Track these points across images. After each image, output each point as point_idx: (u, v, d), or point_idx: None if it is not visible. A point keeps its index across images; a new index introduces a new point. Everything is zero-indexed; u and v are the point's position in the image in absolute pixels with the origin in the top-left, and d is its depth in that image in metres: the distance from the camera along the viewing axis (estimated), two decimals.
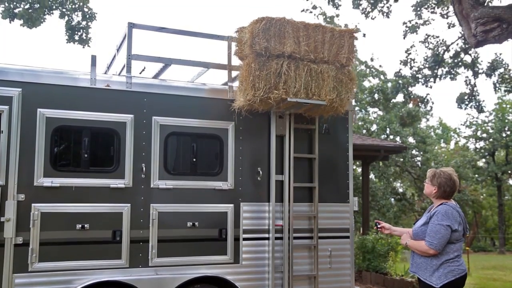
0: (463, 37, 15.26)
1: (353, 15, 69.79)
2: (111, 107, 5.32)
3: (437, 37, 17.04)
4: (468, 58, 17.08)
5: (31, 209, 4.91)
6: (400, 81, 18.16)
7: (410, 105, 24.00)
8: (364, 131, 25.98)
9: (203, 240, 5.53)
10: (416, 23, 16.76)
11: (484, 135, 31.51)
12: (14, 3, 13.77)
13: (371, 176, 23.59)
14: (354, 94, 6.51)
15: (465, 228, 4.19)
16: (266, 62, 5.48)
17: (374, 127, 26.74)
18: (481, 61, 17.51)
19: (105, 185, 5.20)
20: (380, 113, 27.70)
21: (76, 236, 5.04)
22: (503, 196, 31.74)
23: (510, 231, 34.09)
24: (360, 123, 25.98)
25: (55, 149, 5.14)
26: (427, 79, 17.21)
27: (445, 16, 16.30)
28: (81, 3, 14.44)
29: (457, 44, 16.74)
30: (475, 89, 17.35)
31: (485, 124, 31.48)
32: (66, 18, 14.56)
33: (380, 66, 33.48)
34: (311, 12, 18.05)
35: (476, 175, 31.05)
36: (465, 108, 17.78)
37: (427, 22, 16.84)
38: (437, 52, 16.86)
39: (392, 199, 25.70)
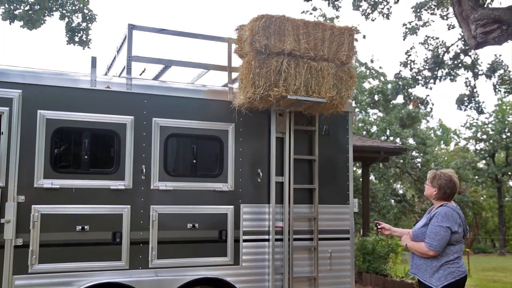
0: (463, 39, 15.26)
1: (353, 16, 69.85)
2: (111, 108, 5.32)
3: (437, 38, 17.07)
4: (468, 60, 17.11)
5: (31, 210, 4.91)
6: (400, 83, 18.17)
7: (410, 107, 24.01)
8: (364, 132, 25.99)
9: (203, 241, 5.53)
10: (416, 24, 16.77)
11: (484, 136, 31.53)
12: (14, 5, 13.77)
13: (371, 177, 23.59)
14: (354, 92, 6.52)
15: (465, 230, 4.19)
16: (266, 59, 5.48)
17: (374, 129, 26.74)
18: (481, 62, 17.51)
19: (105, 187, 5.20)
20: (380, 114, 27.71)
21: (76, 237, 5.04)
22: (503, 198, 31.74)
23: (510, 233, 34.09)
24: (360, 125, 25.99)
25: (55, 151, 5.14)
26: (427, 80, 17.22)
27: (445, 18, 16.31)
28: (81, 5, 14.45)
29: (457, 46, 16.76)
30: (475, 90, 17.36)
31: (485, 126, 31.50)
32: (66, 19, 14.55)
33: (380, 67, 33.59)
34: (311, 13, 18.07)
35: (476, 177, 31.05)
36: (465, 110, 17.79)
37: (427, 24, 16.85)
38: (437, 54, 16.87)
39: (392, 201, 25.69)
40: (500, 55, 18.64)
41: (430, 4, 16.12)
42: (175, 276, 5.34)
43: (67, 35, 14.71)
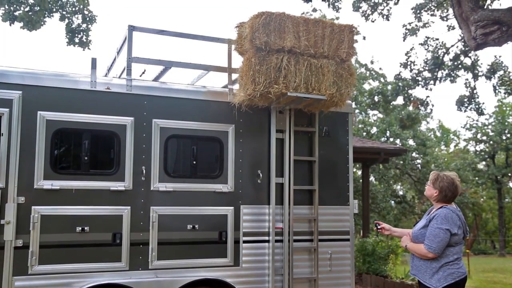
0: (463, 40, 15.27)
1: (353, 17, 69.89)
2: (111, 109, 5.32)
3: (437, 39, 17.08)
4: (468, 61, 17.11)
5: (31, 211, 4.91)
6: (400, 84, 18.17)
7: (410, 108, 24.00)
8: (364, 133, 26.00)
9: (203, 242, 5.53)
10: (416, 25, 16.78)
11: (484, 137, 31.54)
12: (14, 6, 13.77)
13: (371, 178, 23.60)
14: (354, 89, 6.51)
15: (465, 231, 4.19)
16: (266, 56, 5.48)
17: (374, 130, 26.76)
18: (481, 63, 17.55)
19: (105, 188, 5.20)
20: (380, 115, 27.72)
21: (76, 238, 5.04)
22: (503, 199, 31.74)
23: (510, 234, 34.07)
24: (360, 126, 26.01)
25: (55, 152, 5.14)
26: (427, 81, 17.23)
27: (445, 19, 16.33)
28: (81, 6, 14.46)
29: (457, 47, 16.77)
30: (475, 91, 17.36)
31: (485, 127, 31.51)
32: (66, 20, 14.56)
33: (380, 68, 33.66)
34: (311, 15, 18.11)
35: (476, 178, 31.06)
36: (465, 111, 17.79)
37: (427, 25, 16.87)
38: (437, 55, 16.88)
39: (392, 202, 25.71)
40: (500, 56, 18.68)
41: (430, 5, 16.14)
42: (175, 277, 5.34)
43: (67, 36, 14.71)
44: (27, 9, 13.97)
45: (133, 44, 5.70)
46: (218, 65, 6.13)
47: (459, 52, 16.87)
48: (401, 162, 24.13)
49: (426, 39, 17.12)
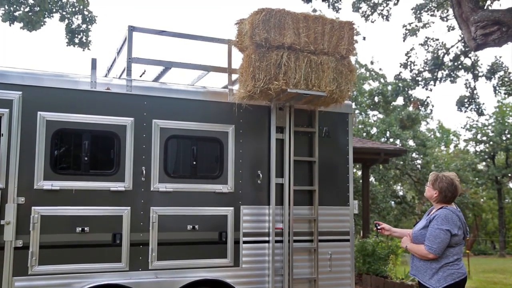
0: (463, 40, 15.28)
1: (353, 18, 69.90)
2: (111, 110, 5.32)
3: (437, 40, 17.10)
4: (468, 61, 17.12)
5: (31, 212, 4.91)
6: (400, 84, 18.18)
7: (410, 108, 24.02)
8: (364, 134, 26.00)
9: (203, 243, 5.53)
10: (416, 26, 16.80)
11: (484, 138, 31.54)
12: (14, 6, 13.78)
13: (371, 179, 23.60)
14: (354, 86, 6.51)
15: (465, 232, 4.18)
16: (266, 53, 5.48)
17: (374, 130, 26.76)
18: (481, 64, 17.56)
19: (105, 188, 5.20)
20: (380, 116, 27.73)
21: (76, 239, 5.03)
22: (503, 199, 31.74)
23: (510, 234, 34.07)
24: (360, 126, 26.01)
25: (55, 152, 5.14)
26: (427, 82, 17.24)
27: (445, 19, 16.34)
28: (81, 6, 14.46)
29: (457, 47, 16.78)
30: (475, 92, 17.38)
31: (485, 127, 31.51)
32: (66, 21, 14.56)
33: (380, 69, 33.64)
34: None
35: (476, 178, 31.06)
36: (465, 111, 17.80)
37: (427, 25, 16.89)
38: (437, 55, 16.88)
39: (392, 202, 25.72)
40: (500, 57, 18.68)
41: (430, 5, 16.15)
42: (175, 277, 5.34)
43: (67, 37, 14.72)
44: (27, 9, 13.97)
45: (133, 45, 5.70)
46: (218, 65, 6.14)
47: (459, 53, 16.88)
48: (401, 162, 24.14)
49: (426, 39, 17.14)
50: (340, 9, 14.73)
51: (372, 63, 27.83)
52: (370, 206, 18.42)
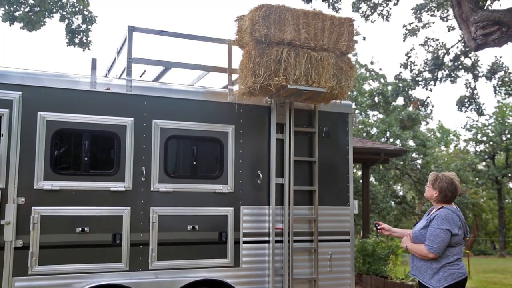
0: (463, 40, 15.28)
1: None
2: (111, 110, 5.32)
3: (437, 40, 17.10)
4: (468, 61, 17.12)
5: (31, 212, 4.91)
6: (400, 84, 18.18)
7: (410, 108, 24.03)
8: (364, 134, 26.00)
9: (203, 243, 5.53)
10: (416, 26, 16.81)
11: (484, 138, 31.54)
12: (14, 6, 13.77)
13: (371, 179, 23.60)
14: (354, 82, 6.50)
15: (465, 232, 4.18)
16: (266, 49, 5.48)
17: (374, 130, 26.76)
18: (481, 64, 17.56)
19: (105, 188, 5.20)
20: (380, 116, 27.72)
21: (76, 239, 5.03)
22: (503, 199, 31.73)
23: (510, 234, 34.07)
24: (360, 126, 26.01)
25: (55, 152, 5.14)
26: (427, 82, 17.23)
27: (445, 19, 16.35)
28: (81, 6, 14.46)
29: (457, 47, 16.79)
30: (475, 92, 17.38)
31: (485, 127, 31.51)
32: (66, 21, 14.56)
33: (380, 69, 33.61)
34: None
35: (477, 178, 31.05)
36: (465, 111, 17.81)
37: (427, 25, 16.89)
38: (437, 55, 16.88)
39: (392, 202, 25.72)
40: (500, 57, 18.68)
41: (430, 5, 16.15)
42: (175, 277, 5.34)
43: (67, 37, 14.72)
44: (27, 9, 13.97)
45: (133, 45, 5.71)
46: (218, 65, 6.14)
47: (459, 53, 16.89)
48: (401, 162, 24.14)
49: (426, 39, 17.15)
50: (340, 9, 14.74)
51: (372, 63, 27.86)
52: (370, 206, 18.42)
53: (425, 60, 17.21)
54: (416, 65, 17.40)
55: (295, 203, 5.92)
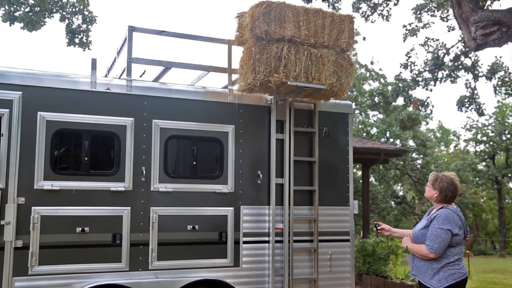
0: (463, 41, 15.28)
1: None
2: (111, 110, 5.32)
3: (437, 40, 17.10)
4: (468, 61, 17.12)
5: (31, 212, 4.91)
6: (400, 84, 18.18)
7: (410, 108, 24.02)
8: (364, 134, 26.00)
9: (203, 243, 5.52)
10: (416, 26, 16.80)
11: (484, 138, 31.54)
12: (15, 6, 13.77)
13: (371, 179, 23.59)
14: (354, 79, 6.50)
15: (465, 232, 4.18)
16: (266, 46, 5.48)
17: (374, 130, 26.76)
18: (481, 64, 17.56)
19: (105, 188, 5.20)
20: (380, 116, 27.72)
21: (76, 239, 5.03)
22: (503, 199, 31.73)
23: (510, 234, 34.07)
24: (360, 126, 26.01)
25: (55, 152, 5.14)
26: (427, 82, 17.23)
27: (445, 19, 16.34)
28: (81, 6, 14.45)
29: (457, 47, 16.78)
30: (475, 92, 17.38)
31: (485, 127, 31.51)
32: (67, 21, 14.54)
33: (380, 69, 33.58)
34: None
35: (477, 178, 31.05)
36: (466, 111, 17.81)
37: (427, 25, 16.88)
38: (437, 55, 16.88)
39: (392, 202, 25.71)
40: (500, 57, 18.69)
41: (430, 6, 16.15)
42: (175, 278, 5.34)
43: (67, 37, 14.71)
44: (27, 9, 13.96)
45: (133, 45, 5.70)
46: (218, 65, 6.14)
47: (459, 53, 16.89)
48: (401, 162, 24.14)
49: (426, 39, 17.15)
50: (340, 9, 14.72)
51: (372, 63, 27.87)
52: (370, 206, 18.42)
53: (425, 60, 17.22)
54: (416, 65, 17.41)
55: (295, 203, 5.92)
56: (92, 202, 5.13)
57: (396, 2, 15.06)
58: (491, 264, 20.17)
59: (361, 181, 16.05)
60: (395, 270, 11.21)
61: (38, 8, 13.85)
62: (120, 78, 6.18)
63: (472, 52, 16.06)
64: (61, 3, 14.32)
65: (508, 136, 30.19)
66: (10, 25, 13.94)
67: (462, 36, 13.18)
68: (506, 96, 18.42)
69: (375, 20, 15.54)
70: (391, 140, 25.71)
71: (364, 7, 15.26)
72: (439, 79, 17.27)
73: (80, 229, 5.05)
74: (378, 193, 22.90)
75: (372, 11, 15.30)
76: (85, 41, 14.76)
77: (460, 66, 17.28)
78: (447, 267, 4.07)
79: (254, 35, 5.45)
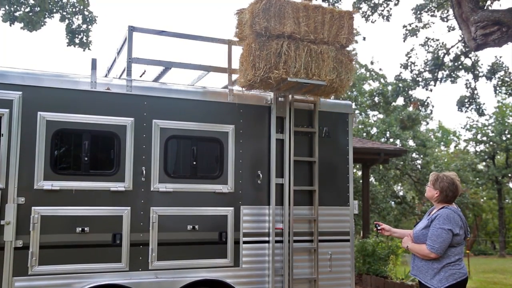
0: (463, 41, 15.28)
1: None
2: (111, 110, 5.31)
3: (437, 40, 17.10)
4: (468, 61, 17.13)
5: (31, 212, 4.90)
6: (400, 84, 18.18)
7: (410, 108, 24.02)
8: (364, 134, 25.99)
9: (203, 243, 5.52)
10: (416, 26, 16.80)
11: (484, 138, 31.54)
12: (15, 6, 13.77)
13: (371, 179, 23.58)
14: (354, 75, 6.52)
15: (466, 232, 4.18)
16: (266, 42, 5.47)
17: (374, 130, 26.75)
18: (481, 64, 17.57)
19: (105, 188, 5.19)
20: (380, 116, 27.72)
21: (76, 239, 5.03)
22: (503, 200, 31.74)
23: (510, 235, 34.07)
24: (360, 126, 26.00)
25: (55, 152, 5.14)
26: (427, 82, 17.23)
27: (445, 20, 16.34)
28: (81, 7, 14.45)
29: (457, 47, 16.79)
30: (475, 92, 17.38)
31: (485, 127, 31.51)
32: (67, 21, 14.54)
33: (380, 69, 33.58)
34: None
35: (477, 179, 31.06)
36: (466, 111, 17.81)
37: (427, 25, 16.88)
38: (437, 55, 16.88)
39: (393, 202, 25.70)
40: (500, 57, 18.70)
41: (430, 6, 16.15)
42: (175, 278, 5.34)
43: (67, 37, 14.71)
44: (27, 9, 13.96)
45: (133, 45, 5.70)
46: (218, 65, 6.14)
47: (459, 53, 16.89)
48: (401, 162, 24.13)
49: (426, 39, 17.15)
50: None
51: (372, 63, 27.84)
52: (370, 206, 18.41)
53: (425, 60, 17.22)
54: (416, 65, 17.41)
55: (295, 203, 5.92)
56: (92, 202, 5.13)
57: (396, 2, 15.07)
58: (491, 264, 20.17)
59: (361, 181, 16.05)
60: (395, 270, 11.21)
61: (38, 8, 13.84)
62: (120, 78, 6.18)
63: (472, 52, 16.07)
64: (61, 3, 14.32)
65: (508, 136, 30.19)
66: (10, 25, 13.94)
67: (462, 36, 13.18)
68: (506, 96, 18.41)
69: (375, 20, 15.55)
70: (391, 140, 25.70)
71: (364, 7, 15.26)
72: (439, 79, 17.27)
73: (80, 229, 5.05)
74: (378, 193, 22.90)
75: (373, 11, 15.30)
76: (85, 41, 14.76)
77: (460, 66, 17.29)
78: (448, 267, 4.07)
79: (254, 32, 5.45)
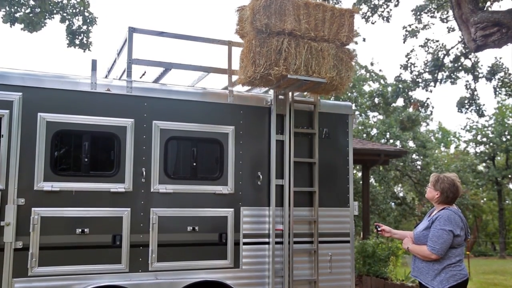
0: (463, 42, 15.29)
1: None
2: (111, 111, 5.31)
3: (437, 41, 17.11)
4: (468, 62, 17.13)
5: (31, 213, 4.90)
6: (400, 86, 18.19)
7: (410, 109, 24.03)
8: (364, 135, 25.99)
9: (203, 244, 5.52)
10: (416, 27, 16.82)
11: (484, 139, 31.55)
12: (15, 8, 13.78)
13: (371, 180, 23.58)
14: (354, 73, 6.53)
15: (466, 233, 4.18)
16: (266, 39, 5.47)
17: (374, 131, 26.75)
18: (481, 65, 17.58)
19: (105, 190, 5.19)
20: (380, 117, 27.72)
21: (76, 240, 5.03)
22: (503, 201, 31.75)
23: (510, 236, 34.05)
24: (360, 127, 25.99)
25: (56, 153, 5.14)
26: (427, 83, 17.24)
27: (445, 21, 16.36)
28: (81, 8, 14.47)
29: (457, 49, 16.80)
30: (475, 93, 17.38)
31: (485, 129, 31.52)
32: (67, 22, 14.56)
33: (380, 70, 33.59)
34: None
35: (477, 180, 31.05)
36: (466, 112, 17.81)
37: (427, 27, 16.90)
38: (437, 56, 16.89)
39: (393, 204, 25.69)
40: (500, 58, 18.73)
41: (430, 7, 16.16)
42: (175, 279, 5.33)
43: (68, 38, 14.72)
44: (27, 10, 13.97)
45: (133, 46, 5.71)
46: (218, 66, 6.14)
47: (459, 54, 16.90)
48: (401, 163, 24.13)
49: (426, 41, 17.16)
50: None
51: (372, 64, 27.79)
52: (370, 207, 18.41)
53: (425, 62, 17.23)
54: (416, 66, 17.42)
55: (295, 204, 5.92)
56: (92, 203, 5.12)
57: (396, 3, 15.08)
58: (491, 265, 20.17)
59: (361, 182, 16.05)
60: (395, 272, 11.20)
61: (39, 9, 13.86)
62: (120, 79, 6.18)
63: (472, 53, 16.08)
64: (61, 4, 14.34)
65: (508, 137, 30.21)
66: (11, 26, 13.94)
67: (462, 37, 13.18)
68: (506, 97, 18.42)
69: (375, 21, 15.57)
70: (391, 141, 25.70)
71: (364, 8, 15.27)
72: (439, 80, 17.28)
73: (80, 230, 5.04)
74: (378, 194, 22.89)
75: (373, 12, 15.31)
76: (85, 42, 14.77)
77: (460, 67, 17.30)
78: (449, 268, 4.07)
79: (254, 28, 5.45)
